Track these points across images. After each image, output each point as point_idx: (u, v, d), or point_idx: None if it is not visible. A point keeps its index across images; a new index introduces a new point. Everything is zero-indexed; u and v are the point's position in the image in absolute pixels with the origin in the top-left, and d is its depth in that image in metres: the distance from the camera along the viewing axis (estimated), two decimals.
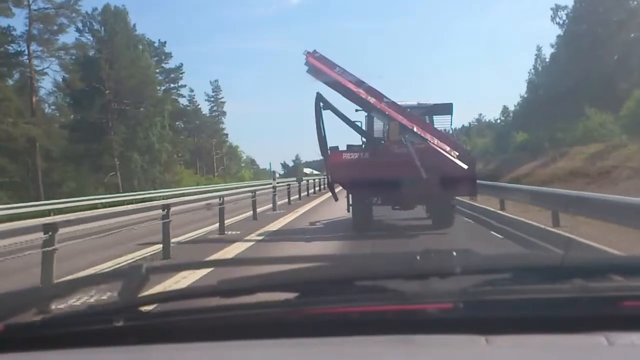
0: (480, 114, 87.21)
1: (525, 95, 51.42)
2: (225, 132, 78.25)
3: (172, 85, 61.80)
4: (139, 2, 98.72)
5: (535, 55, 51.35)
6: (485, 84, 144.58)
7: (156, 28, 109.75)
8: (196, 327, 1.14)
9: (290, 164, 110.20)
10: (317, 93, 11.68)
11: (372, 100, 11.35)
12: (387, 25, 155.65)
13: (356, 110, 12.08)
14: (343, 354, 1.03)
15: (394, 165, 10.58)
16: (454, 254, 1.20)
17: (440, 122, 13.21)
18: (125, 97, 43.61)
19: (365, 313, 1.11)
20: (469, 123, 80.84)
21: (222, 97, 78.19)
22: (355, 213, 11.76)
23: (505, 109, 59.14)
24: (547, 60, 49.00)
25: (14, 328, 1.13)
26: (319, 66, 11.59)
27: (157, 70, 56.08)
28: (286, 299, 1.16)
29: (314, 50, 11.89)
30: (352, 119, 12.23)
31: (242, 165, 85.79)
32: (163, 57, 59.39)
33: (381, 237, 10.50)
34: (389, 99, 11.45)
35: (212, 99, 77.47)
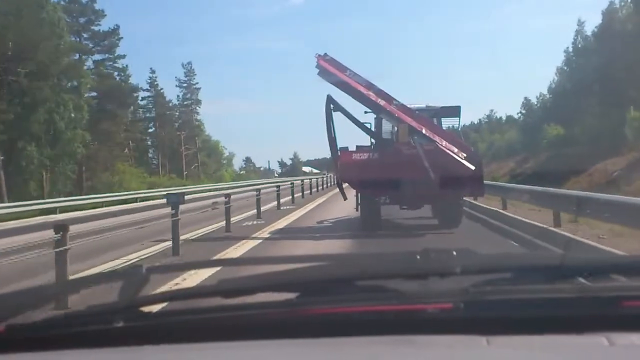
0: (492, 110, 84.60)
1: (553, 86, 45.31)
2: (201, 123, 65.50)
3: (107, 55, 46.36)
4: (139, 2, 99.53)
5: (576, 31, 42.61)
6: (496, 79, 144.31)
7: (156, 28, 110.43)
8: (197, 328, 1.14)
9: (289, 162, 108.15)
10: (328, 95, 11.91)
11: (382, 102, 11.57)
12: (392, 24, 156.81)
13: (365, 112, 12.37)
14: (343, 354, 1.03)
15: (402, 165, 10.77)
16: (454, 253, 1.19)
17: (448, 124, 13.66)
18: (15, 61, 30.01)
19: (365, 313, 1.11)
20: (479, 120, 78.02)
21: (197, 83, 64.60)
22: (364, 212, 11.93)
23: (526, 101, 52.58)
24: (591, 36, 39.50)
25: (15, 328, 1.13)
26: (329, 69, 11.81)
27: (86, 36, 43.52)
28: (286, 299, 1.16)
29: (325, 53, 12.17)
30: (361, 121, 12.44)
31: (224, 162, 72.53)
32: (93, 17, 43.28)
33: (389, 237, 10.56)
34: (398, 101, 11.65)
35: (184, 84, 63.67)
